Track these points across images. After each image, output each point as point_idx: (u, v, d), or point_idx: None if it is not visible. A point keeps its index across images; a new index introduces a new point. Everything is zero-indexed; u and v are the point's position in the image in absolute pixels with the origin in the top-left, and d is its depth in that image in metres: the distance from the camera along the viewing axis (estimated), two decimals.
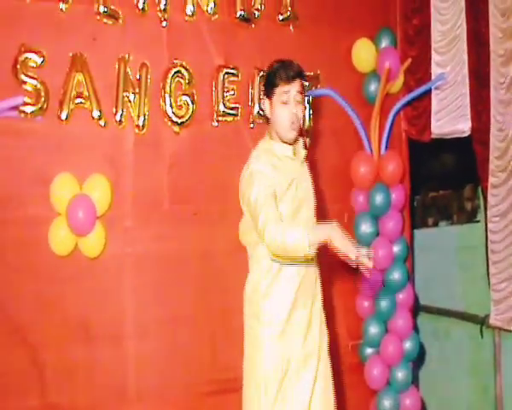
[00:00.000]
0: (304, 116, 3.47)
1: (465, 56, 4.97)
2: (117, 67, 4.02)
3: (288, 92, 3.14)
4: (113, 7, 4.00)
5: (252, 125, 4.38)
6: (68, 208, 3.78)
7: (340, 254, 2.86)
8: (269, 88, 3.21)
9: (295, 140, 3.30)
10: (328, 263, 4.43)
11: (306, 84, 4.15)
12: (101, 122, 3.97)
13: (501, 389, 5.05)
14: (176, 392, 4.08)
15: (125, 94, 4.03)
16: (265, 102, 3.25)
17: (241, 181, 3.24)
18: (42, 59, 3.83)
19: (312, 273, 3.26)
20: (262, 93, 3.30)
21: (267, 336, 3.09)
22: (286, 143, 3.25)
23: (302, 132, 3.36)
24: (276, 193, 3.08)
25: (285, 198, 3.14)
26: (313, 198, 3.36)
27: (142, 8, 4.09)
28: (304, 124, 3.39)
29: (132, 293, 4.04)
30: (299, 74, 3.22)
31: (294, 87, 3.16)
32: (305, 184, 3.32)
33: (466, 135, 5.04)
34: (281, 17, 4.53)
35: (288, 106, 3.14)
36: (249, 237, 3.23)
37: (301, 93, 3.22)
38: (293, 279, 3.13)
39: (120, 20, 4.04)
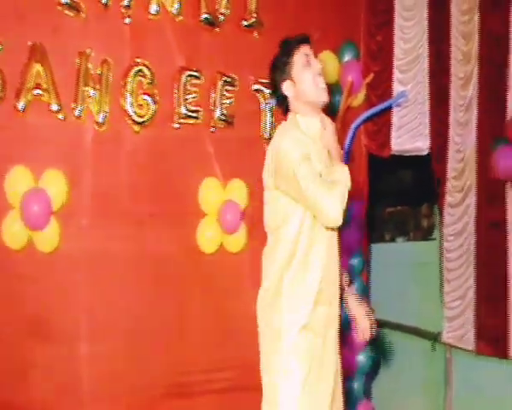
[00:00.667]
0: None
1: (426, 76, 5.04)
2: (78, 61, 3.93)
3: (308, 55, 2.90)
4: None
5: (212, 130, 4.33)
6: (23, 202, 3.67)
7: None
8: (286, 66, 2.89)
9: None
10: None
11: None
12: (60, 116, 3.88)
13: (451, 405, 5.09)
14: (130, 395, 3.97)
15: (85, 89, 3.94)
16: (287, 85, 2.90)
17: (272, 158, 2.92)
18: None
19: (335, 266, 3.02)
20: (279, 77, 2.90)
21: (291, 327, 2.85)
22: (316, 111, 2.94)
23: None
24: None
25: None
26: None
27: (106, 3, 4.01)
28: None
29: (87, 292, 3.94)
30: (307, 38, 2.96)
31: (309, 50, 2.92)
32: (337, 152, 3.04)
33: (425, 153, 5.09)
34: (245, 23, 4.50)
35: (311, 67, 2.88)
36: (270, 221, 2.97)
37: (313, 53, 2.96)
38: (317, 268, 2.90)
39: (82, 14, 3.95)
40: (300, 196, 2.79)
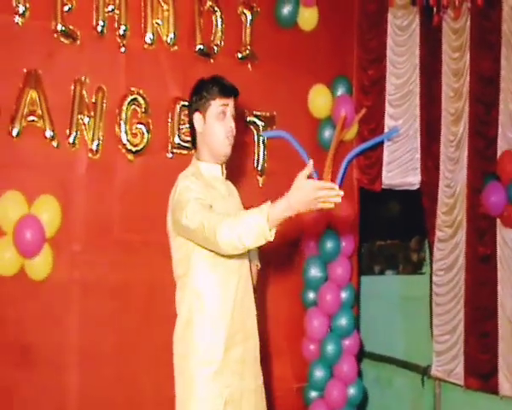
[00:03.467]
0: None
1: (417, 111, 5.11)
2: (73, 88, 3.94)
3: (227, 106, 2.88)
4: (71, 27, 3.93)
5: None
6: (15, 228, 3.65)
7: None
8: (203, 100, 2.89)
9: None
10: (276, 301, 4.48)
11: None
12: (54, 143, 3.87)
13: None
14: None
15: (79, 116, 3.94)
16: (196, 117, 2.91)
17: (169, 206, 2.95)
18: None
19: (248, 306, 2.99)
20: (194, 104, 2.90)
21: (202, 375, 2.82)
22: (217, 161, 2.96)
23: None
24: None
25: None
26: None
27: (101, 31, 4.03)
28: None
29: (77, 320, 3.90)
30: (235, 91, 2.97)
31: (231, 102, 2.92)
32: (235, 203, 3.09)
33: (415, 188, 5.13)
34: (240, 55, 4.55)
35: (225, 121, 2.87)
36: (177, 269, 2.97)
37: (234, 111, 2.95)
38: (225, 312, 2.85)
39: (78, 41, 3.97)
40: (189, 232, 2.69)
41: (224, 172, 3.05)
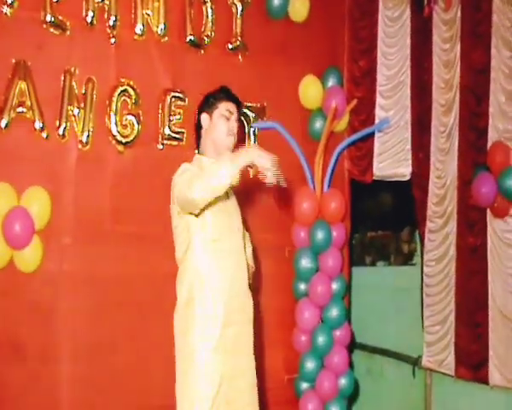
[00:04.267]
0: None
1: (408, 102, 5.11)
2: (62, 79, 3.92)
3: (232, 111, 3.19)
4: (60, 17, 3.91)
5: (196, 151, 4.31)
6: (5, 220, 3.63)
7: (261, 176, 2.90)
8: (212, 102, 3.20)
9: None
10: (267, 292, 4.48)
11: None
12: (44, 134, 3.85)
13: None
14: None
15: (69, 108, 3.93)
16: (204, 117, 3.20)
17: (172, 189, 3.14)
18: None
19: (243, 284, 3.20)
20: (203, 107, 3.21)
21: (201, 350, 2.99)
22: (217, 155, 3.14)
23: None
24: None
25: (215, 209, 3.05)
26: (240, 212, 3.32)
27: (91, 22, 4.01)
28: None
29: (67, 313, 3.88)
30: (241, 103, 3.33)
31: (236, 111, 3.22)
32: (233, 199, 3.30)
33: (406, 179, 5.13)
34: (230, 46, 4.53)
35: (229, 122, 3.17)
36: (179, 254, 3.15)
37: (238, 121, 3.26)
38: (223, 289, 3.05)
39: (67, 32, 3.95)
40: (179, 199, 2.96)
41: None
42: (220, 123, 3.15)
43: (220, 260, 3.06)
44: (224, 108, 3.17)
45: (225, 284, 3.05)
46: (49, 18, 3.87)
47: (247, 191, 4.56)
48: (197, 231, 3.03)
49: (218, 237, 3.07)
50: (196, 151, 3.27)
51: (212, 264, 3.04)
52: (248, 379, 3.12)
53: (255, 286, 4.52)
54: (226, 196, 3.14)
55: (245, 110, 4.57)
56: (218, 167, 2.82)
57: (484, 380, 4.71)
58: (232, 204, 3.27)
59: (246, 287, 3.20)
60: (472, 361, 4.80)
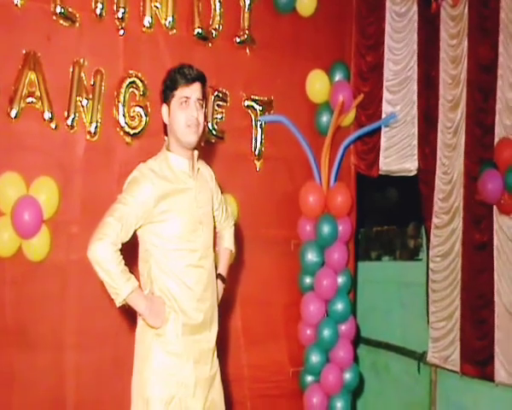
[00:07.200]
0: (205, 123, 3.08)
1: (415, 98, 5.11)
2: (71, 70, 3.94)
3: (189, 97, 2.85)
4: (70, 9, 3.92)
5: (203, 144, 4.33)
6: (14, 209, 3.64)
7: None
8: (167, 92, 2.89)
9: (194, 148, 2.97)
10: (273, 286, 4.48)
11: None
12: (53, 125, 3.87)
13: None
14: (116, 406, 3.86)
15: (78, 98, 3.94)
16: (163, 109, 2.92)
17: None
18: None
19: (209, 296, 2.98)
20: (163, 97, 2.91)
21: (158, 346, 2.86)
22: (185, 152, 2.92)
23: (201, 140, 2.97)
24: (144, 213, 2.83)
25: (177, 215, 2.86)
26: (212, 221, 3.08)
27: (100, 14, 4.03)
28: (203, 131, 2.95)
29: (75, 301, 3.90)
30: (199, 77, 2.91)
31: (195, 91, 2.86)
32: (204, 205, 3.01)
33: (412, 174, 5.14)
34: (238, 39, 4.54)
35: (187, 110, 2.84)
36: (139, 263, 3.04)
37: (202, 98, 2.90)
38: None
39: (77, 24, 3.97)
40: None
41: (197, 167, 3.01)
42: (178, 115, 2.85)
43: (184, 267, 2.88)
44: (181, 93, 2.84)
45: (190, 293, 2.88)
46: (58, 10, 3.88)
47: (253, 185, 4.59)
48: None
49: (191, 230, 2.89)
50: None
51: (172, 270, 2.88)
52: (211, 386, 2.96)
53: (261, 280, 4.55)
54: (193, 195, 2.94)
55: (252, 103, 4.59)
56: (117, 284, 2.77)
57: (489, 377, 4.71)
58: (204, 202, 3.02)
59: (212, 293, 2.98)
60: (477, 358, 4.80)
